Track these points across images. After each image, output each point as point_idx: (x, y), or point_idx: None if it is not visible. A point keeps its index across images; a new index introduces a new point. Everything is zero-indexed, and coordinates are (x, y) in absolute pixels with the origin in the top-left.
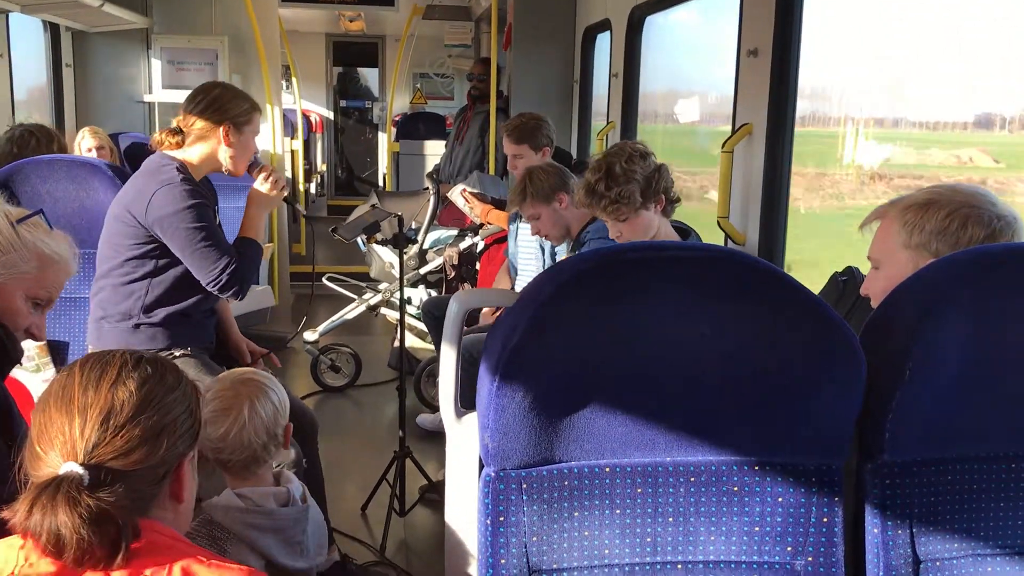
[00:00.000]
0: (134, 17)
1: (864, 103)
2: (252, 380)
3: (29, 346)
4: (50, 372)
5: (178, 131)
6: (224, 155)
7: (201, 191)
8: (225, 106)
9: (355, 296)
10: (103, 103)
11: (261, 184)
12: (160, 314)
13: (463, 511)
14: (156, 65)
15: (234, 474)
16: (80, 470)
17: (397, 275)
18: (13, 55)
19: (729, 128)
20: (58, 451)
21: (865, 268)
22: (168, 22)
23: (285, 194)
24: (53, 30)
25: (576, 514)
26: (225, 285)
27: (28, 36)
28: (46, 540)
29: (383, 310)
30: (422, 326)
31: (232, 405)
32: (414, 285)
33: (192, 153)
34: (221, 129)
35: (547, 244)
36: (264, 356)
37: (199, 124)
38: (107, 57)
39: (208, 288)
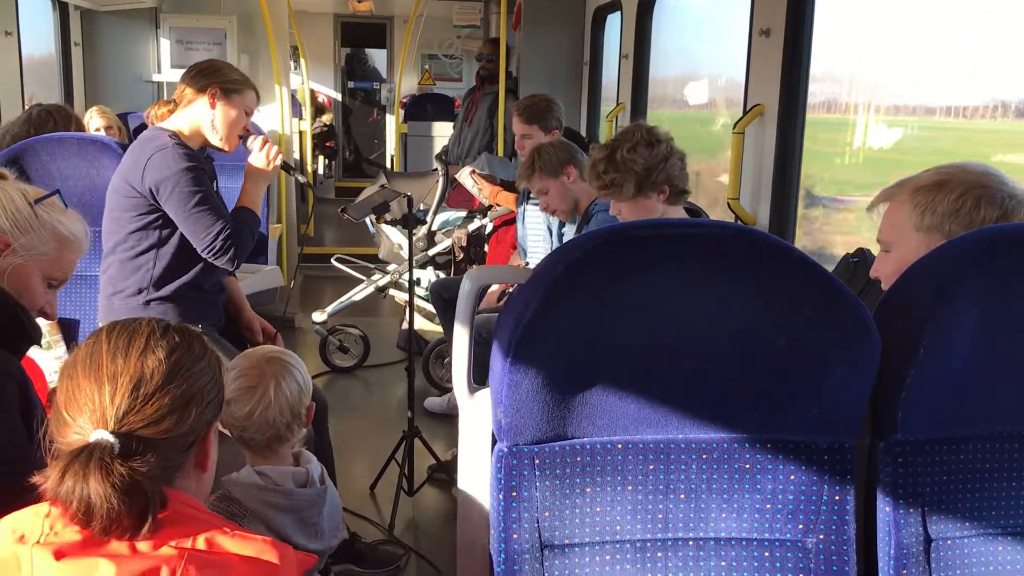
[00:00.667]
0: None
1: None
2: (277, 358)
3: (40, 324)
4: (61, 350)
5: (170, 102)
6: (208, 120)
7: (197, 156)
8: (215, 72)
9: (364, 277)
10: (112, 82)
11: (256, 155)
12: (170, 287)
13: (475, 487)
14: (164, 44)
15: (256, 452)
16: (111, 438)
17: (406, 256)
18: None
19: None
20: (88, 418)
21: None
22: (176, 1)
23: (279, 163)
24: (62, 8)
25: (588, 490)
26: (219, 251)
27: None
28: (76, 507)
29: (391, 291)
30: (430, 307)
31: (258, 383)
32: (423, 267)
33: (182, 121)
34: (207, 92)
35: (554, 224)
36: (271, 340)
37: (188, 91)
38: (116, 36)
39: (202, 254)
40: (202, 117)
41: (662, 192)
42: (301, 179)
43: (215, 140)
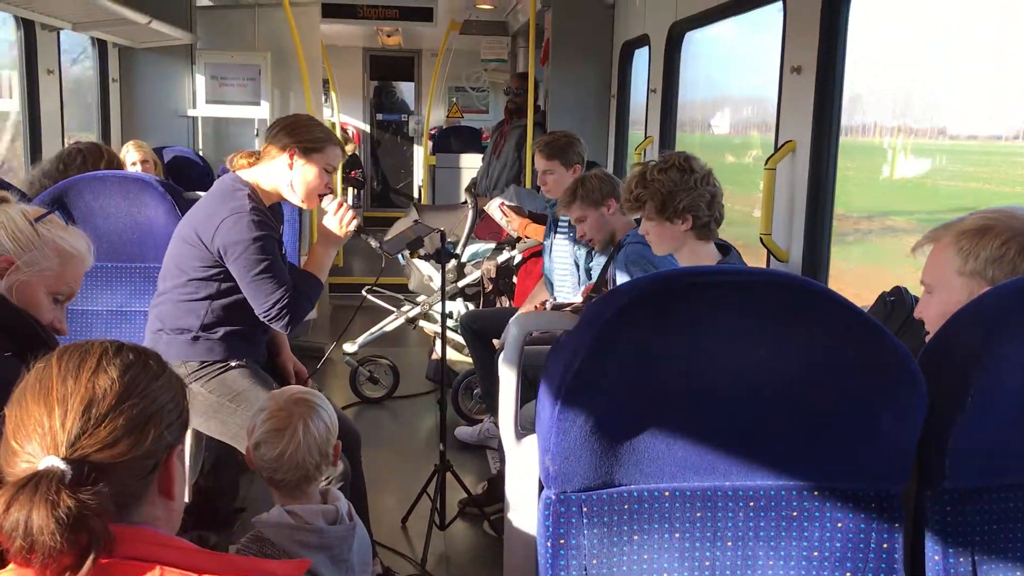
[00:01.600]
0: (179, 33)
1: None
2: (304, 400)
3: None
4: None
5: (253, 154)
6: (287, 181)
7: (269, 221)
8: (295, 131)
9: (394, 308)
10: (148, 117)
11: (330, 218)
12: (219, 331)
13: (522, 534)
14: (200, 80)
15: (285, 492)
16: (62, 465)
17: (436, 288)
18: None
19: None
20: (37, 444)
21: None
22: (212, 38)
23: (353, 228)
24: (101, 46)
25: (636, 537)
26: (275, 318)
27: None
28: (21, 543)
29: (421, 322)
30: (459, 338)
31: (286, 426)
32: (452, 298)
33: (261, 175)
34: (287, 152)
35: (581, 258)
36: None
37: (271, 148)
38: (152, 72)
39: (260, 318)
40: (280, 176)
41: (685, 221)
42: (374, 243)
43: (295, 200)
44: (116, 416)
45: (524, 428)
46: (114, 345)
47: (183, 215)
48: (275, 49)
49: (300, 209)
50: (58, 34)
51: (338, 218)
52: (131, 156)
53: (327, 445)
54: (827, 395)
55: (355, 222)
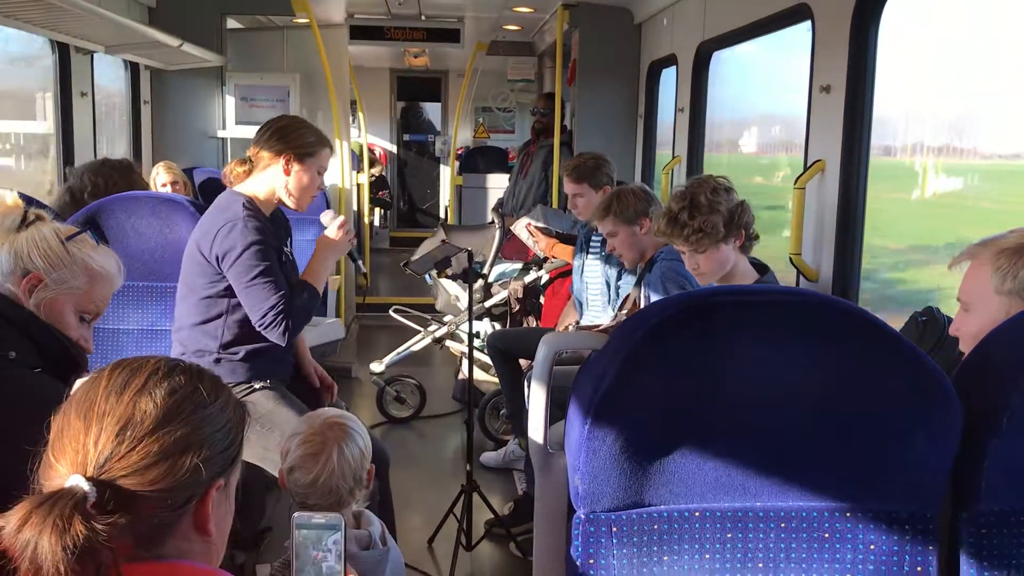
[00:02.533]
0: (210, 56)
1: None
2: (338, 423)
3: None
4: None
5: (246, 161)
6: (283, 185)
7: (265, 227)
8: (288, 136)
9: (420, 328)
10: (179, 138)
11: (332, 230)
12: (240, 351)
13: (551, 554)
14: (230, 101)
15: None
16: (86, 485)
17: (462, 307)
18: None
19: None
20: (68, 460)
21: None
22: (242, 60)
23: (352, 245)
24: (133, 68)
25: (666, 558)
26: (270, 325)
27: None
28: (28, 566)
29: (448, 342)
30: (486, 358)
31: (320, 451)
32: (479, 318)
33: (257, 185)
34: (282, 159)
35: (612, 278)
36: (328, 390)
37: (263, 154)
38: (183, 94)
39: (256, 326)
40: (277, 182)
41: (739, 238)
42: (363, 269)
43: (290, 203)
44: (152, 442)
45: (552, 449)
46: (168, 365)
47: None
48: (304, 70)
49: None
50: (91, 57)
51: (337, 234)
52: (161, 178)
53: (361, 470)
54: (860, 416)
55: (354, 242)
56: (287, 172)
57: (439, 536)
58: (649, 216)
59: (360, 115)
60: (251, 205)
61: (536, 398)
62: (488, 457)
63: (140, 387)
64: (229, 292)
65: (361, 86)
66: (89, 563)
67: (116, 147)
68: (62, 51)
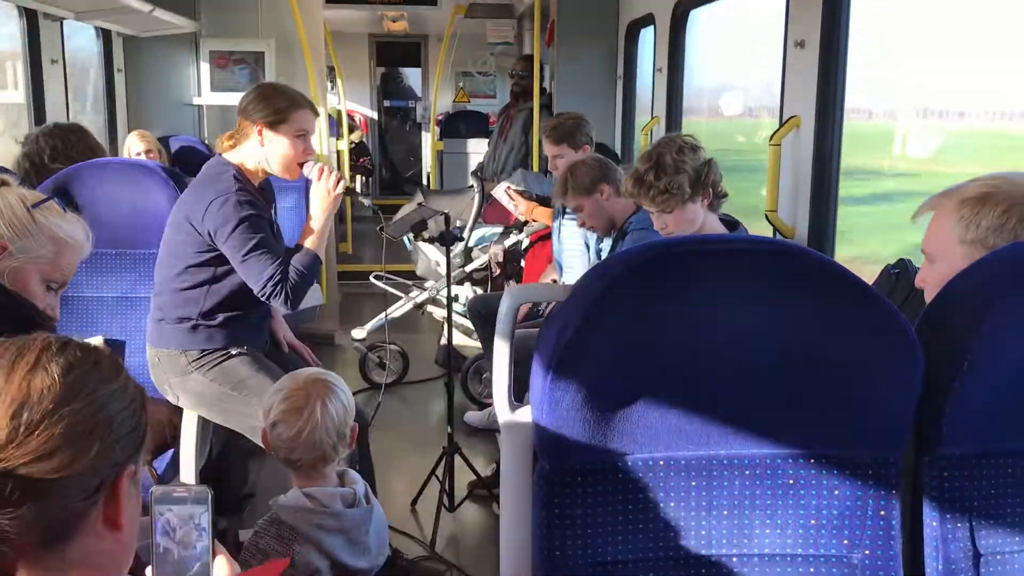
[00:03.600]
0: (183, 21)
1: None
2: (321, 380)
3: (88, 344)
4: None
5: (233, 134)
6: (264, 156)
7: (256, 200)
8: (259, 105)
9: (402, 294)
10: (154, 106)
11: (317, 185)
12: (219, 317)
13: (517, 506)
14: (204, 68)
15: (302, 473)
16: None
17: (443, 273)
18: None
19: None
20: None
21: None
22: (215, 26)
23: (342, 191)
24: (105, 36)
25: (631, 507)
26: (273, 294)
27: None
28: None
29: (429, 307)
30: (468, 323)
31: (304, 405)
32: (460, 283)
33: (244, 155)
34: (255, 129)
35: (592, 240)
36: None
37: (243, 124)
38: (157, 61)
39: (259, 297)
40: (256, 152)
41: (706, 196)
42: (367, 203)
43: (278, 172)
44: (53, 423)
45: (518, 402)
46: (59, 340)
47: None
48: (279, 36)
49: (306, 194)
50: (61, 23)
51: (323, 183)
52: (135, 147)
53: (344, 426)
54: (822, 362)
55: (342, 184)
56: (263, 143)
57: (422, 498)
58: (609, 181)
59: (339, 81)
60: (241, 176)
61: (500, 350)
62: (472, 417)
63: (32, 364)
64: (217, 261)
65: (340, 52)
66: None
67: (97, 116)
68: (30, 17)
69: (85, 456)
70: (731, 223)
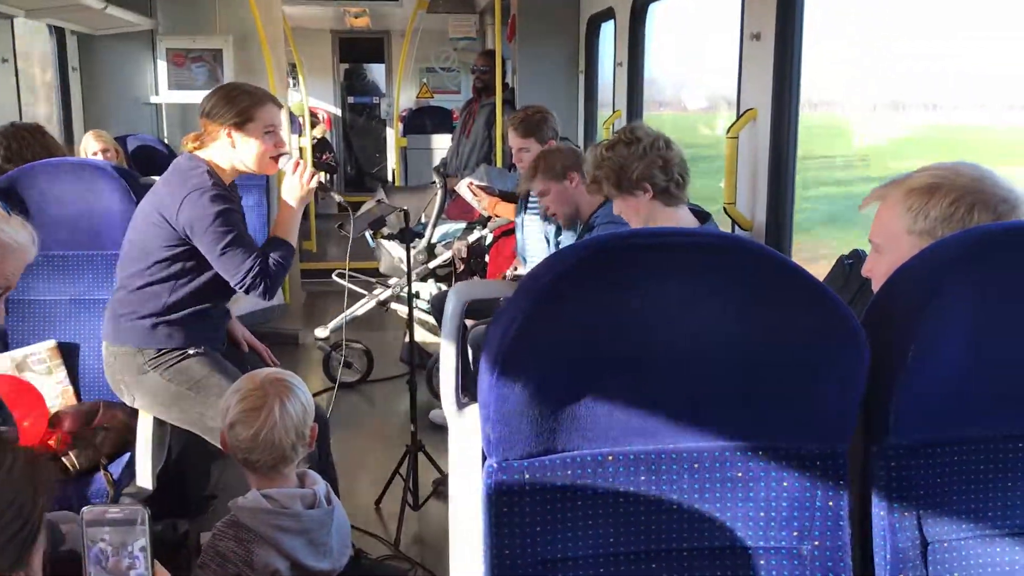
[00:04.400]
0: (138, 19)
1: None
2: (280, 380)
3: (40, 349)
4: (62, 374)
5: (198, 135)
6: (235, 156)
7: (229, 195)
8: (223, 109)
9: (365, 292)
10: (111, 105)
11: (290, 178)
12: (180, 315)
13: (467, 504)
14: (162, 66)
15: (261, 474)
16: None
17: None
18: None
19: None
20: None
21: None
22: (173, 23)
23: (315, 185)
24: (59, 34)
25: (580, 503)
26: (252, 286)
27: None
28: None
29: (393, 305)
30: (433, 320)
31: (262, 404)
32: (423, 279)
33: (213, 155)
34: (223, 131)
35: (551, 233)
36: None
37: (209, 126)
38: (113, 60)
39: (236, 289)
40: (227, 153)
41: (645, 191)
42: (338, 198)
43: (254, 170)
44: None
45: (466, 399)
46: None
47: (139, 200)
48: (237, 32)
49: (267, 192)
50: (11, 21)
51: (297, 176)
52: (91, 146)
53: (304, 426)
54: (769, 355)
55: (315, 179)
56: (233, 145)
57: (387, 497)
58: (579, 171)
59: (301, 77)
60: (213, 174)
61: (446, 349)
62: (437, 414)
63: None
64: (186, 256)
65: (302, 48)
66: None
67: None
68: None
69: None
70: (701, 214)
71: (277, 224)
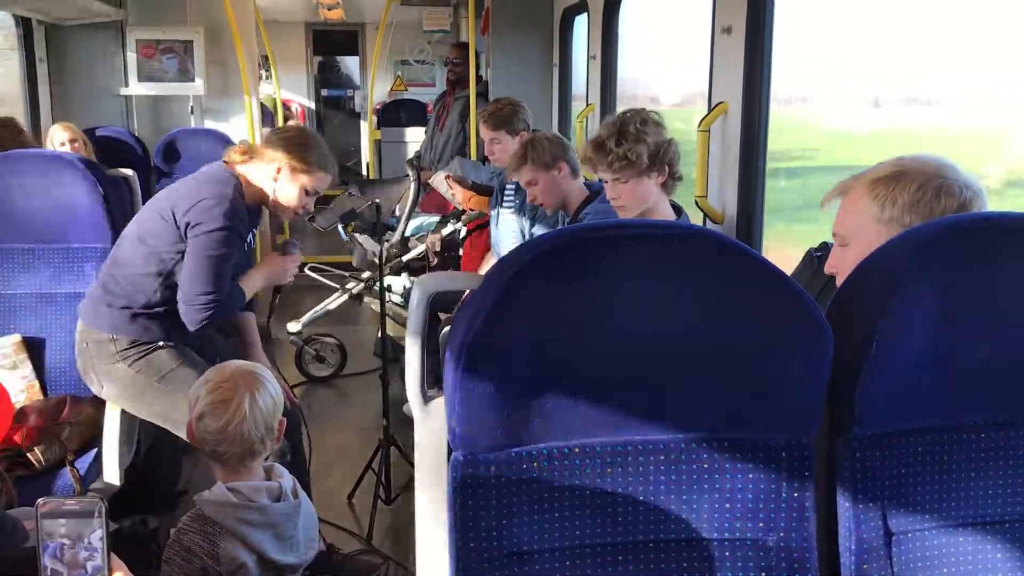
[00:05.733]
0: (107, 9)
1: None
2: (250, 372)
3: (5, 343)
4: (27, 369)
5: (247, 151)
6: (270, 188)
7: (243, 220)
8: (291, 148)
9: (337, 286)
10: (79, 98)
11: (281, 262)
12: (162, 309)
13: (433, 498)
14: (131, 58)
15: (228, 467)
16: None
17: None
18: None
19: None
20: None
21: None
22: (142, 13)
23: (290, 280)
24: (25, 24)
25: (546, 495)
26: (193, 307)
27: None
28: None
29: (367, 299)
30: (406, 313)
31: (231, 397)
32: (397, 273)
33: (251, 172)
34: (277, 164)
35: (527, 226)
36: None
37: (265, 151)
38: (82, 51)
39: (180, 302)
40: (265, 182)
41: (662, 174)
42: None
43: (271, 207)
44: None
45: (433, 394)
46: None
47: (106, 193)
48: (208, 24)
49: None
50: None
51: (285, 265)
52: (59, 137)
53: (273, 419)
54: (734, 347)
55: (294, 272)
56: (277, 179)
57: (359, 491)
58: (567, 159)
59: (273, 70)
60: (238, 190)
61: (411, 341)
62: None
63: None
64: (180, 258)
65: (276, 41)
66: None
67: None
68: None
69: None
70: (676, 208)
71: (247, 278)
